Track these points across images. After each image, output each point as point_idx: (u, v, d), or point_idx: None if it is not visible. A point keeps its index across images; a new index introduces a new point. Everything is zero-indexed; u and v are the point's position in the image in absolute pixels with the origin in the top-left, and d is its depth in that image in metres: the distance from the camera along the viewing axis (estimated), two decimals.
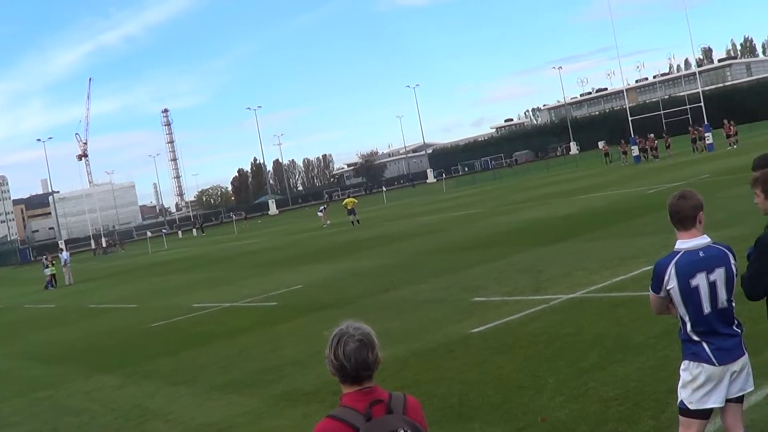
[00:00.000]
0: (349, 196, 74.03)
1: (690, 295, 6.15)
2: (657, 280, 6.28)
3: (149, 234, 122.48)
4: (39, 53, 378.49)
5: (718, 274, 6.17)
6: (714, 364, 6.15)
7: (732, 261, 6.27)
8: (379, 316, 18.37)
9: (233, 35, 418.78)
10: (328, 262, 35.31)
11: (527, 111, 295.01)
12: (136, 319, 27.96)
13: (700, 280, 6.13)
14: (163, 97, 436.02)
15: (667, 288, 6.21)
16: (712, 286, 6.15)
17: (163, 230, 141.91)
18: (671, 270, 6.16)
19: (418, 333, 16.00)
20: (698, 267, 6.14)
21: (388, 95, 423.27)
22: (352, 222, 61.56)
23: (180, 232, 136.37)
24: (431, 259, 29.04)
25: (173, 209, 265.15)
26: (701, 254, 6.18)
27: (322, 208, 76.25)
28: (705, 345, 6.18)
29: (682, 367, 6.34)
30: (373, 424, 4.15)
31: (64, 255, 61.70)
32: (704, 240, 6.24)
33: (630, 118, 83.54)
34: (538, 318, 15.52)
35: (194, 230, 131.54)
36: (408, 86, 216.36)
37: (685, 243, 6.22)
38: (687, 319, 6.22)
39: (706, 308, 6.16)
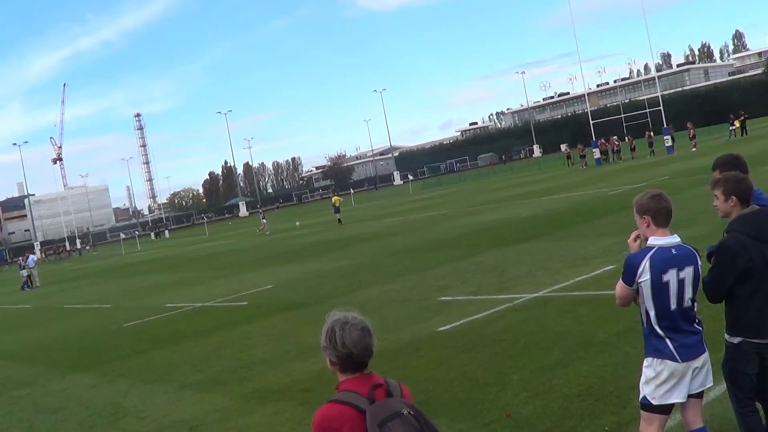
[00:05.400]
0: (336, 194, 73.67)
1: (660, 290, 6.19)
2: (629, 273, 6.30)
3: (122, 236, 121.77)
4: (17, 58, 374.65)
5: (687, 273, 6.25)
6: (677, 361, 6.21)
7: (699, 262, 6.35)
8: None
9: (206, 41, 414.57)
10: (297, 262, 35.20)
11: (491, 115, 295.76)
12: (110, 319, 27.74)
13: (671, 276, 6.19)
14: (137, 102, 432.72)
15: (639, 281, 6.24)
16: (681, 283, 6.21)
17: (136, 232, 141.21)
18: (645, 263, 6.20)
19: (385, 332, 15.95)
20: (671, 263, 6.20)
21: (356, 99, 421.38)
22: (339, 219, 61.46)
23: (153, 234, 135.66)
24: (397, 259, 29.00)
25: (146, 211, 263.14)
26: (674, 251, 6.24)
27: (262, 213, 76.24)
28: (668, 342, 6.23)
29: (645, 363, 6.38)
30: (378, 406, 4.17)
31: (31, 258, 60.67)
32: (676, 239, 6.32)
33: (591, 122, 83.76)
34: (502, 317, 15.54)
35: (153, 235, 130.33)
36: (375, 90, 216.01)
37: (659, 240, 6.27)
38: (653, 313, 6.26)
39: (673, 304, 6.21)
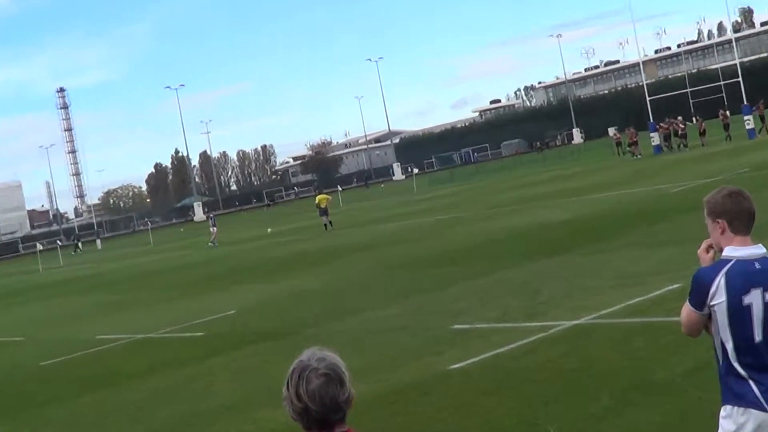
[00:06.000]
0: (321, 192, 71.81)
1: (740, 316, 6.04)
2: (699, 293, 6.15)
3: (40, 246, 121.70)
4: None
5: None
6: (764, 410, 6.05)
7: None
8: (333, 348, 18.28)
9: None
10: (268, 280, 35.25)
11: (518, 90, 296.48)
12: (22, 356, 27.67)
13: (753, 298, 6.03)
14: (61, 73, 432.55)
15: (712, 304, 6.09)
16: (767, 307, 6.09)
17: (58, 241, 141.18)
18: (720, 281, 6.05)
19: (384, 370, 15.95)
20: (754, 281, 6.05)
21: (345, 71, 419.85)
22: (325, 225, 61.26)
23: (80, 244, 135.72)
24: (399, 276, 29.07)
25: (72, 215, 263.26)
26: (757, 266, 6.09)
27: (212, 217, 74.99)
28: (752, 384, 6.07)
29: (723, 413, 6.25)
30: None
31: None
32: (761, 249, 6.17)
33: (648, 98, 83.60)
34: (534, 350, 15.53)
35: (76, 246, 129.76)
36: (369, 60, 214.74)
37: (737, 250, 6.13)
38: (730, 346, 6.10)
39: (758, 335, 6.06)
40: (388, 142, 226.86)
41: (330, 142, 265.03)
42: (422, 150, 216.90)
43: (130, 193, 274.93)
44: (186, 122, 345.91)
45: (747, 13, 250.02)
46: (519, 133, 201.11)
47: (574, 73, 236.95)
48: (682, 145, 75.99)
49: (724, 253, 6.17)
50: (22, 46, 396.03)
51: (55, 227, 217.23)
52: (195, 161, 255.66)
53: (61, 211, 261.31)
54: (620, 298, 18.41)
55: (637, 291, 18.72)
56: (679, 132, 76.79)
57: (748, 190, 6.36)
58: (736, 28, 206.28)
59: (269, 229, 71.66)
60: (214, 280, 40.06)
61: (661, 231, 27.33)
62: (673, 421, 10.54)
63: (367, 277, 30.30)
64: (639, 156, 75.40)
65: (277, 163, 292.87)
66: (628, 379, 12.60)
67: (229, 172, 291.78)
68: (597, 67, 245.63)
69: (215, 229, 70.53)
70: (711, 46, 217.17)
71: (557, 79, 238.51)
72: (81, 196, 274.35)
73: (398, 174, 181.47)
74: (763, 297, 6.03)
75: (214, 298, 32.89)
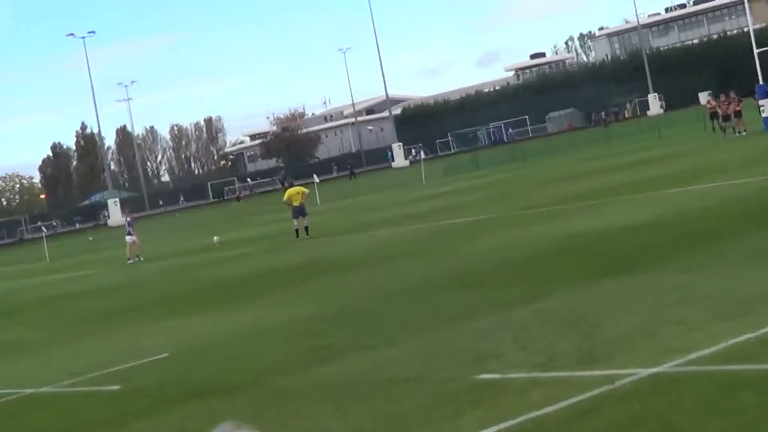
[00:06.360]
0: (292, 185, 69.65)
1: None
2: None
3: None
4: None
5: None
6: None
7: None
8: (306, 407, 18.21)
9: None
10: (215, 310, 35.25)
11: (571, 40, 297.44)
12: None
13: None
14: None
15: None
16: None
17: None
18: None
19: None
20: None
21: (324, 15, 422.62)
22: (297, 231, 60.95)
23: None
24: (401, 303, 29.07)
25: None
26: None
27: (129, 222, 72.37)
28: None
29: None
30: None
31: None
32: None
33: (756, 51, 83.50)
34: (595, 410, 15.39)
35: None
36: None
37: None
38: None
39: None
40: (386, 113, 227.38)
41: (303, 114, 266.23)
42: (434, 125, 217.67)
43: (17, 187, 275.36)
44: (97, 85, 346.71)
45: None
46: (572, 100, 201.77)
47: (649, 16, 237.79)
48: None
49: None
50: None
51: None
52: (110, 141, 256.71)
53: None
54: (719, 335, 18.27)
55: (743, 325, 18.59)
56: None
57: None
58: None
59: (216, 238, 71.83)
60: (138, 311, 40.01)
61: None
62: None
63: (357, 306, 30.29)
64: (743, 133, 75.51)
65: (228, 143, 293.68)
66: None
67: (159, 156, 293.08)
68: (683, 6, 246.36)
69: (133, 238, 69.01)
70: None
71: (626, 23, 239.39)
72: None
73: (399, 158, 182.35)
74: None
75: (137, 336, 32.84)
